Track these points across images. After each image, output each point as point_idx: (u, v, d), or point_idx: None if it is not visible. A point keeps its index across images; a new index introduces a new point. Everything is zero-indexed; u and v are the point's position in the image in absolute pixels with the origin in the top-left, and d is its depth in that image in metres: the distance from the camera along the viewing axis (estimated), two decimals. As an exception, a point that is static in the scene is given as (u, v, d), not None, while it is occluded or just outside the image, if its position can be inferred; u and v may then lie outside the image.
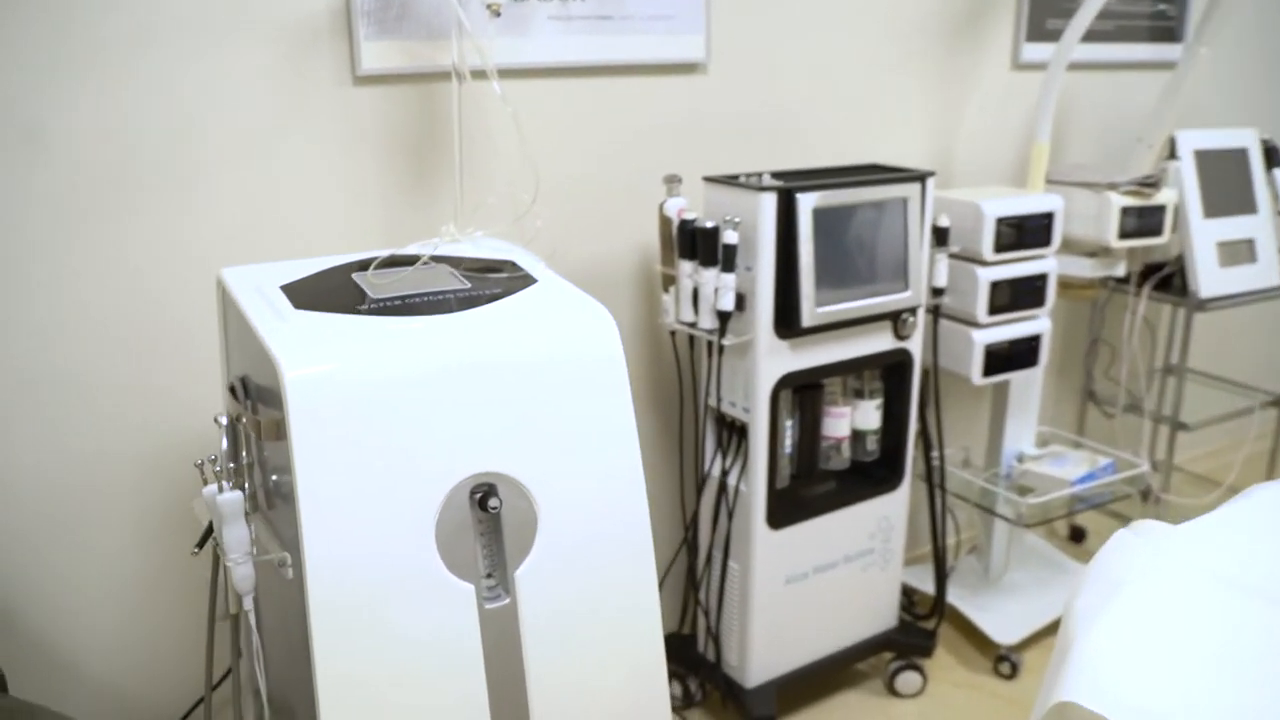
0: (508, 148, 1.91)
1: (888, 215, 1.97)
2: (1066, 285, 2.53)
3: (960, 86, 2.48)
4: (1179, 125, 2.74)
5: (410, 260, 1.50)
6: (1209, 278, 2.60)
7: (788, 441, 2.06)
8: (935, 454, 2.33)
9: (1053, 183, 2.46)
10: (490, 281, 1.45)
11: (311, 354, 1.21)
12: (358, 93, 1.78)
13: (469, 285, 1.42)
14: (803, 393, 2.08)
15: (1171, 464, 2.68)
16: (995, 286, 2.22)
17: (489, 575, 1.31)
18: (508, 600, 1.31)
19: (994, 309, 2.23)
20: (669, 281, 1.98)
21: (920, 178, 2.00)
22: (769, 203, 1.84)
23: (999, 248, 2.20)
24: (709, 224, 1.85)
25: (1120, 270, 2.50)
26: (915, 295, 2.03)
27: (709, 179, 1.93)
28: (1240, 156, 2.72)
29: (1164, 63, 2.84)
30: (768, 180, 1.95)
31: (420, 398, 1.24)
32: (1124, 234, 2.39)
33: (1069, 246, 2.48)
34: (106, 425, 1.71)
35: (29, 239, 1.60)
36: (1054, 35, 2.57)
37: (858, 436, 2.17)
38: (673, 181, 1.94)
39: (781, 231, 1.86)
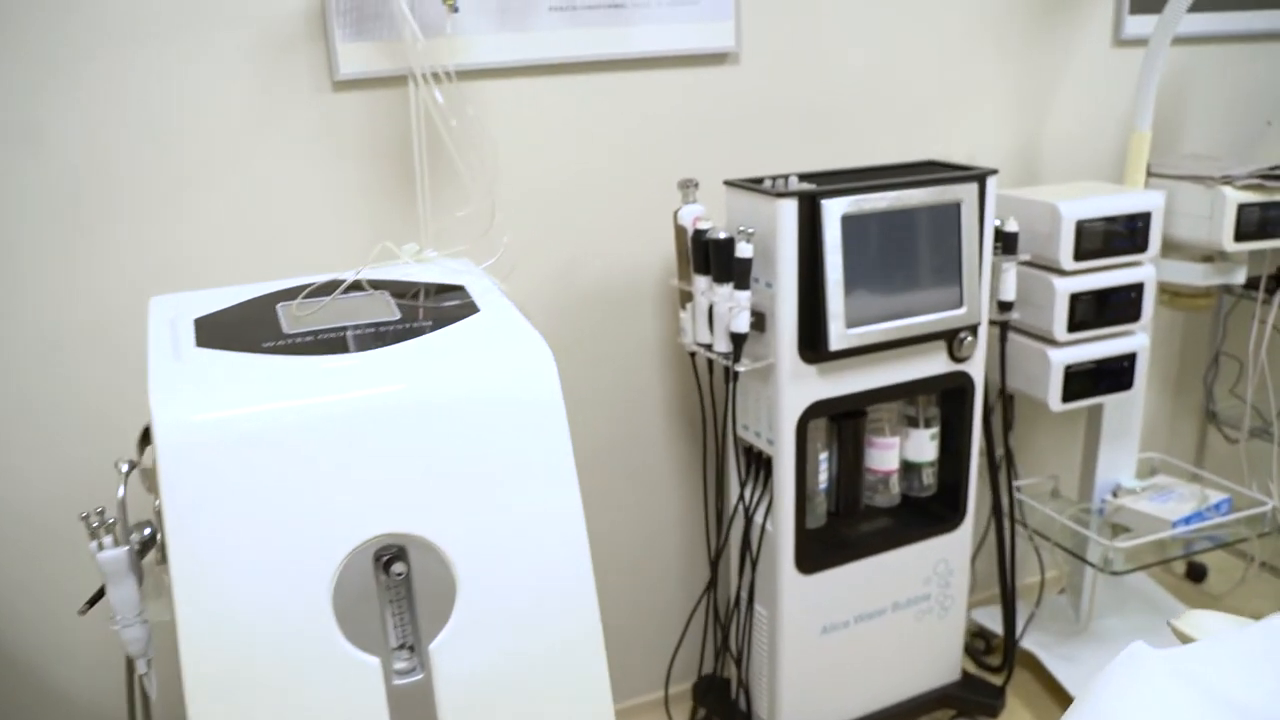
0: (501, 156, 1.75)
1: (938, 221, 1.73)
2: (1176, 294, 2.21)
3: (1049, 68, 2.18)
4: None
5: (351, 286, 1.36)
6: (1354, 284, 2.23)
7: (822, 476, 1.84)
8: (1007, 486, 2.06)
9: (1157, 176, 2.14)
10: (425, 311, 1.30)
11: (189, 398, 1.08)
12: (338, 99, 1.66)
13: (398, 316, 1.27)
14: (841, 421, 1.85)
15: (1305, 499, 2.31)
16: (1076, 299, 1.93)
17: (400, 647, 1.16)
18: (421, 676, 1.16)
19: (1076, 325, 1.95)
20: (686, 298, 1.78)
21: (978, 177, 1.74)
22: (789, 210, 1.62)
23: (1081, 254, 1.91)
24: (722, 235, 1.65)
25: (1240, 277, 2.16)
26: (972, 312, 1.77)
27: (730, 183, 1.73)
28: (1398, 141, 2.32)
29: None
30: (794, 183, 1.73)
31: (315, 448, 1.10)
32: (1242, 235, 2.05)
33: (1177, 250, 2.16)
34: (97, 436, 1.65)
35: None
36: (1162, 5, 2.24)
37: (910, 469, 1.93)
38: (688, 186, 1.74)
39: (804, 242, 1.64)
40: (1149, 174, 2.15)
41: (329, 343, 1.20)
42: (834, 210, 1.63)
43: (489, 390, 1.17)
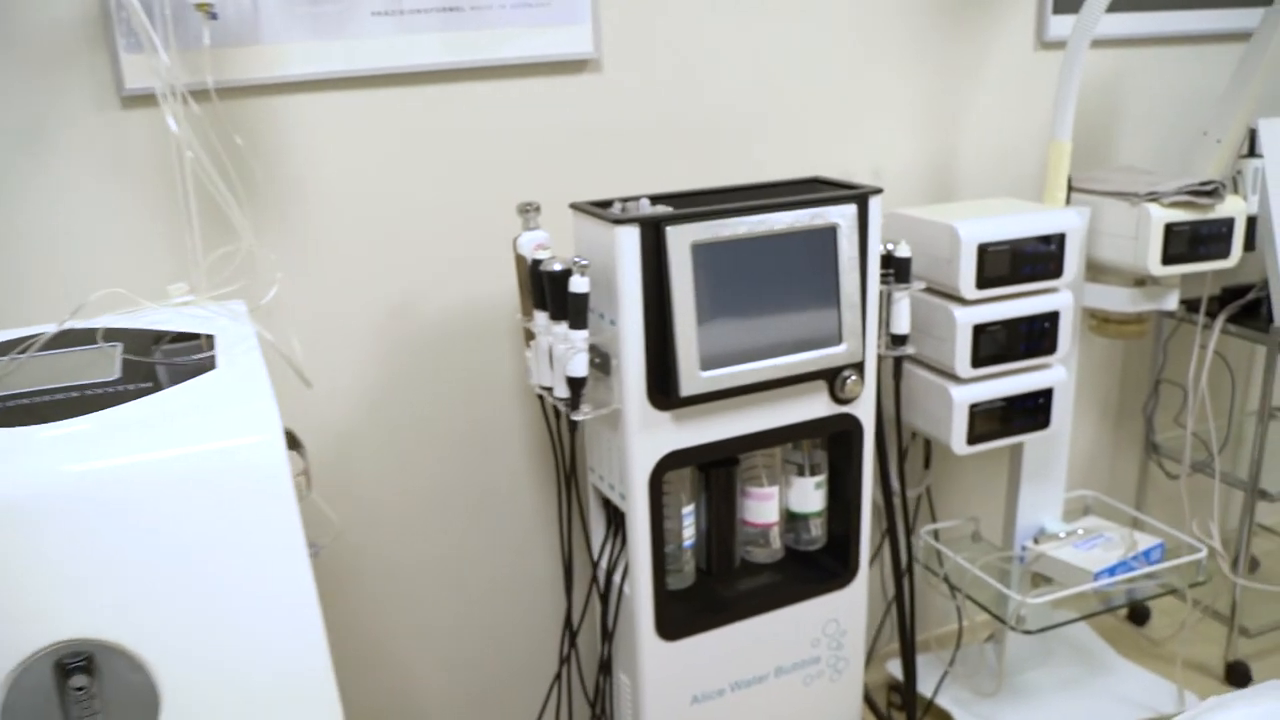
0: (322, 178, 1.57)
1: (810, 247, 1.53)
2: (1105, 320, 2.01)
3: (964, 74, 1.99)
4: (1263, 113, 2.16)
5: (87, 337, 1.18)
6: (1302, 308, 2.03)
7: (688, 532, 1.65)
8: (904, 536, 1.87)
9: (1081, 191, 1.94)
10: (151, 369, 1.11)
11: None
12: (127, 116, 1.47)
13: (117, 376, 1.09)
14: (711, 470, 1.66)
15: (1249, 541, 2.11)
16: (981, 331, 1.74)
17: (86, 776, 0.98)
18: (112, 810, 0.98)
19: (981, 359, 1.75)
20: (530, 336, 1.60)
21: (857, 197, 1.55)
22: (629, 238, 1.43)
23: (985, 281, 1.72)
24: (557, 266, 1.47)
25: (1171, 302, 1.96)
26: (853, 350, 1.58)
27: (575, 207, 1.54)
28: (1355, 149, 2.11)
29: (1244, 33, 2.25)
30: (644, 206, 1.54)
31: (-32, 545, 0.92)
32: (1171, 258, 1.86)
33: (1104, 273, 1.96)
34: None
35: None
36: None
37: (796, 520, 1.74)
38: (528, 211, 1.56)
39: (649, 275, 1.45)
40: (1072, 189, 1.96)
41: (17, 411, 1.02)
42: (681, 238, 1.44)
43: (198, 465, 0.98)
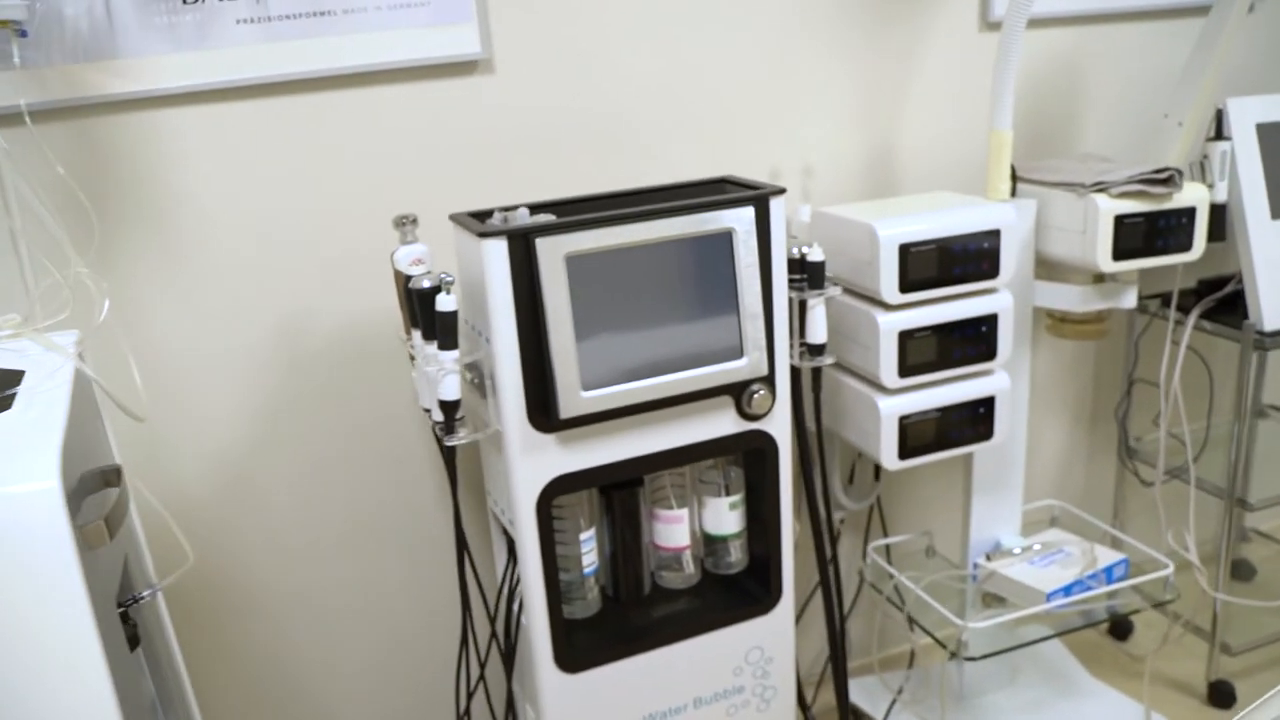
0: (189, 203, 1.50)
1: (704, 255, 1.43)
2: (1062, 320, 1.87)
3: (903, 60, 1.86)
4: (1231, 92, 2.01)
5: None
6: (1277, 301, 1.88)
7: (588, 558, 1.55)
8: (830, 555, 1.76)
9: (1029, 182, 1.81)
10: (-68, 413, 1.05)
11: None
12: (-21, 134, 1.41)
13: (-110, 421, 1.03)
14: (612, 493, 1.57)
15: (1229, 552, 1.97)
16: (908, 337, 1.62)
17: None
18: None
19: (910, 368, 1.63)
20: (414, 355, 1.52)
21: (755, 199, 1.44)
22: (497, 251, 1.34)
23: (909, 285, 1.60)
24: (426, 284, 1.38)
25: (1129, 300, 1.82)
26: (755, 363, 1.47)
27: (454, 219, 1.45)
28: (1338, 127, 1.95)
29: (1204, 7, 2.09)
30: (523, 215, 1.45)
31: None
32: (1123, 253, 1.72)
33: (1056, 270, 1.83)
34: None
35: None
36: (1041, -20, 1.90)
37: (714, 543, 1.64)
38: (404, 224, 1.47)
39: (521, 290, 1.36)
40: (1021, 180, 1.83)
41: None
42: (553, 250, 1.34)
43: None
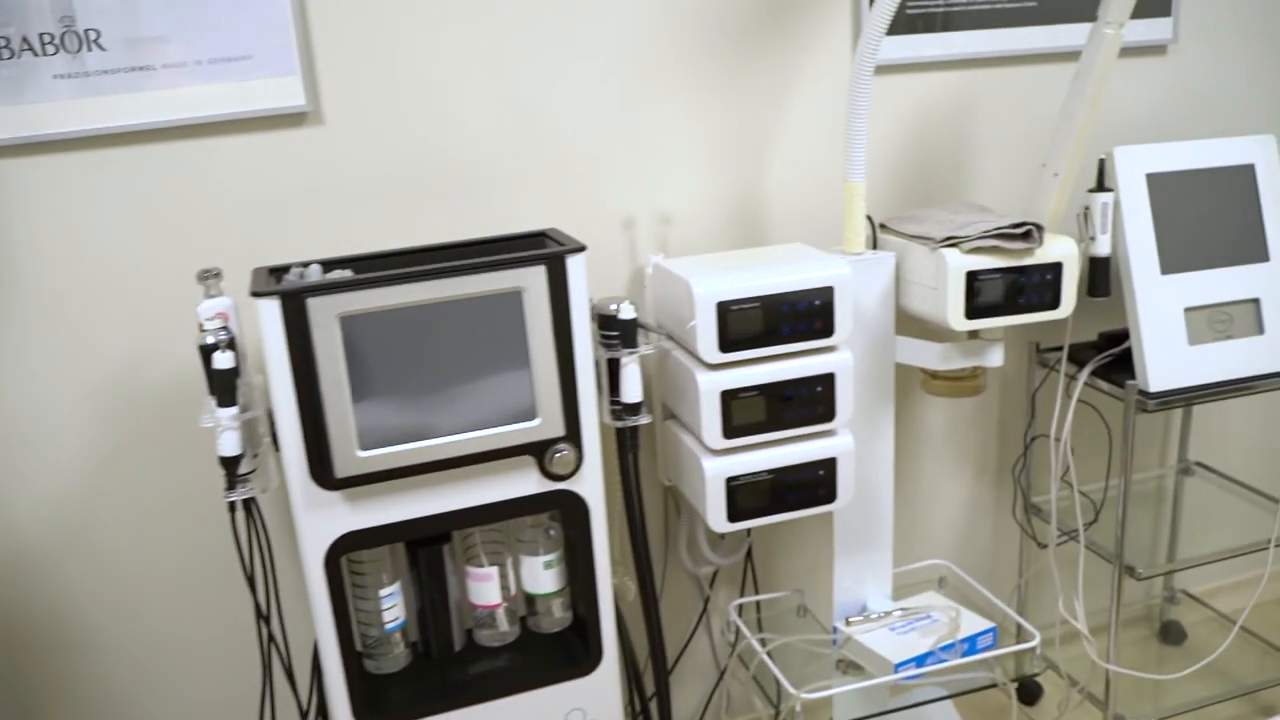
0: (12, 256, 1.53)
1: (495, 314, 1.41)
2: (933, 376, 1.80)
3: (776, 103, 1.81)
4: (1132, 140, 1.92)
5: None
6: (1166, 361, 1.78)
7: (390, 614, 1.54)
8: (654, 618, 1.71)
9: (893, 234, 1.75)
10: None
11: None
12: None
13: None
14: (418, 549, 1.56)
15: (1118, 620, 1.86)
16: (732, 397, 1.57)
17: None
18: None
19: (736, 429, 1.59)
20: (222, 405, 1.52)
21: (549, 258, 1.41)
22: (270, 311, 1.34)
23: (731, 344, 1.55)
24: (208, 340, 1.39)
25: (994, 358, 1.74)
26: (550, 423, 1.45)
27: (257, 273, 1.46)
28: (1239, 178, 1.85)
29: (1132, 47, 1.99)
30: (314, 272, 1.45)
31: None
32: (977, 311, 1.64)
33: (916, 327, 1.76)
34: None
35: None
36: (920, 24, 1.83)
37: (535, 601, 1.62)
38: (208, 278, 1.48)
39: (298, 349, 1.35)
40: (888, 230, 1.76)
41: None
42: (326, 310, 1.34)
43: None
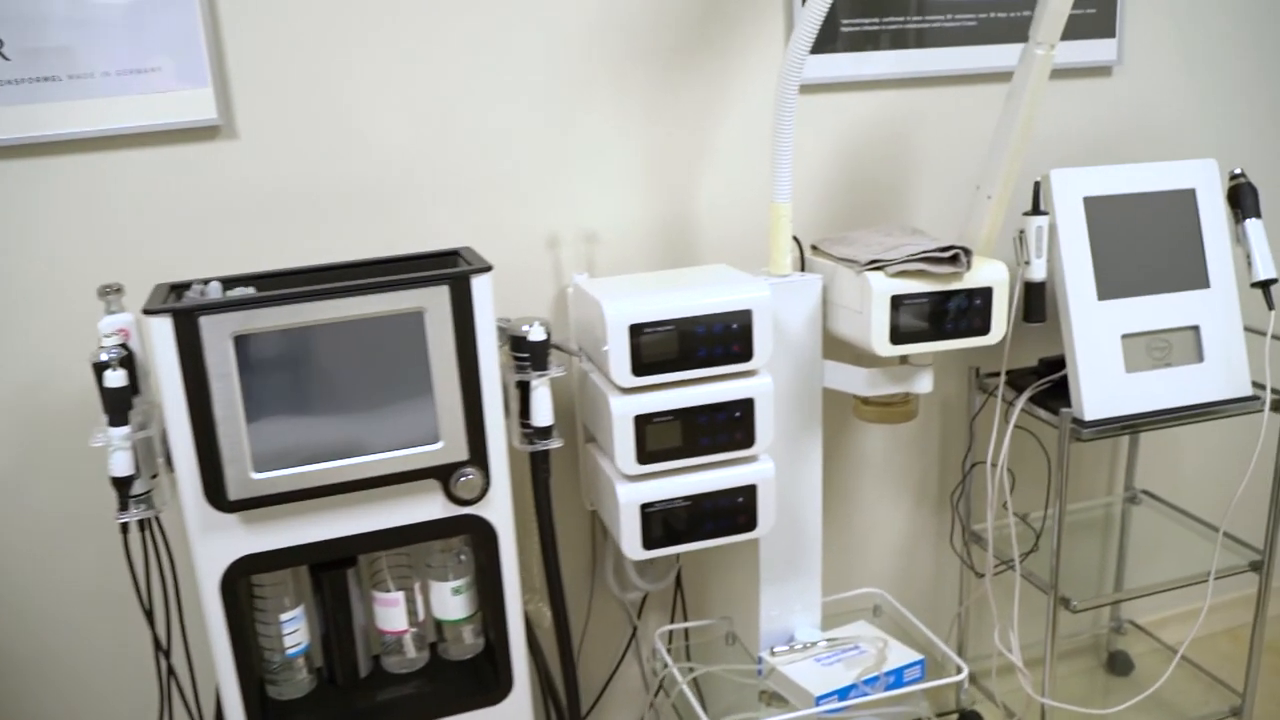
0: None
1: (395, 334, 1.38)
2: (864, 401, 1.77)
3: (707, 120, 1.78)
4: (1072, 162, 1.89)
5: None
6: (1102, 388, 1.74)
7: (292, 638, 1.51)
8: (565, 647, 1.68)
9: (823, 257, 1.72)
10: None
11: None
12: None
13: None
14: (322, 574, 1.52)
15: (1053, 652, 1.82)
16: (646, 422, 1.54)
17: None
18: None
19: (650, 454, 1.55)
20: (123, 423, 1.49)
21: (453, 278, 1.38)
22: (162, 329, 1.31)
23: (645, 367, 1.52)
24: (103, 357, 1.36)
25: (923, 384, 1.70)
26: (453, 447, 1.42)
27: (157, 290, 1.43)
28: (1179, 202, 1.82)
29: (1076, 68, 1.96)
30: (214, 290, 1.42)
31: None
32: (903, 336, 1.61)
33: (846, 351, 1.73)
34: None
35: None
36: (852, 41, 1.81)
37: (445, 627, 1.58)
38: (109, 294, 1.45)
39: (190, 369, 1.32)
40: (819, 253, 1.73)
41: None
42: (218, 329, 1.31)
43: None
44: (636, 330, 1.50)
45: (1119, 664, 2.22)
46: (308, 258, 1.65)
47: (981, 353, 1.99)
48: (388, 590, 1.53)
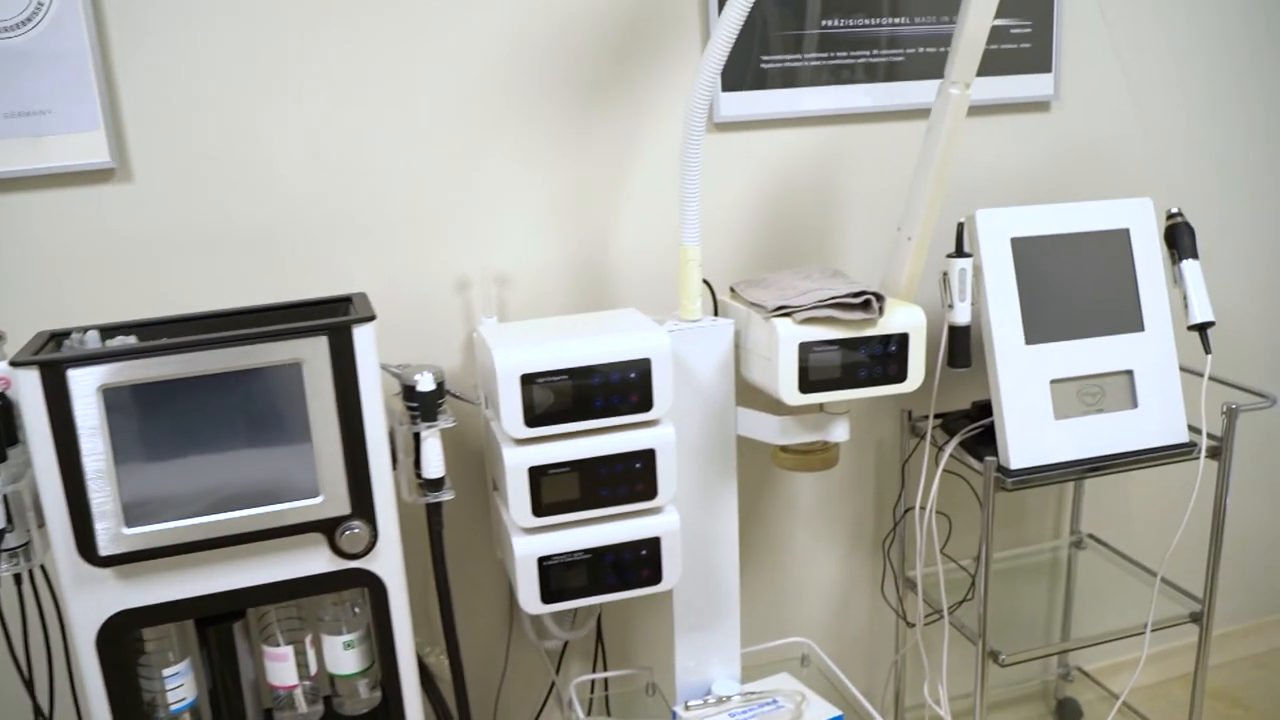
0: None
1: (273, 386, 1.35)
2: (783, 449, 1.72)
3: (623, 160, 1.75)
4: (1011, 202, 1.84)
5: None
6: (1029, 435, 1.69)
7: (176, 693, 1.47)
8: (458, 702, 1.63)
9: (739, 301, 1.67)
10: None
11: None
12: None
13: None
14: (208, 628, 1.49)
15: (983, 706, 1.76)
16: (541, 474, 1.50)
17: None
18: None
19: (549, 507, 1.51)
20: (6, 473, 1.47)
21: (332, 328, 1.35)
22: (30, 381, 1.28)
23: (540, 417, 1.48)
24: (-24, 407, 1.34)
25: (840, 432, 1.65)
26: (334, 501, 1.38)
27: (36, 339, 1.40)
28: (1112, 243, 1.76)
29: (1012, 103, 1.91)
30: (92, 340, 1.40)
31: None
32: (813, 385, 1.56)
33: (763, 398, 1.68)
34: None
35: None
36: (774, 79, 1.76)
37: (340, 681, 1.54)
38: (-10, 341, 1.43)
39: (59, 421, 1.30)
40: (736, 296, 1.69)
41: None
42: (86, 382, 1.28)
43: None
44: (528, 380, 1.46)
45: (1068, 711, 2.15)
46: (206, 302, 1.63)
47: (915, 395, 1.94)
48: (277, 644, 1.50)
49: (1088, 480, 2.10)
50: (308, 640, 1.53)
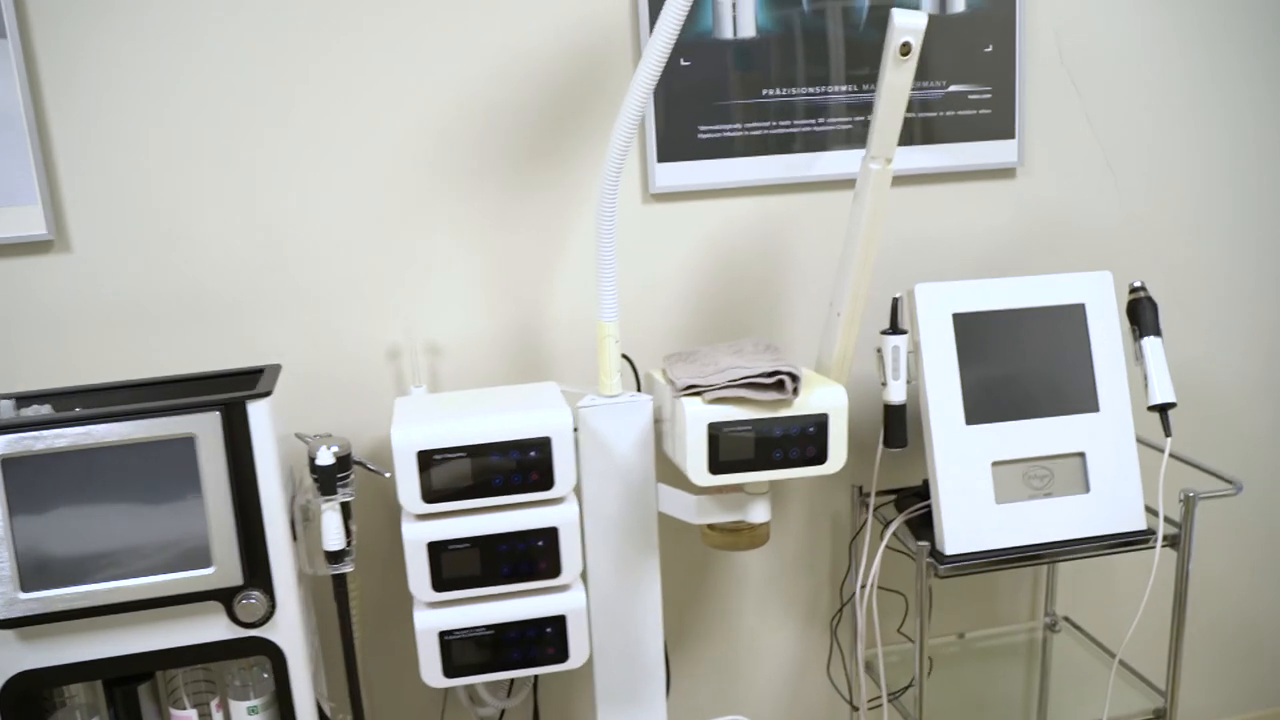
0: None
1: (170, 460, 1.38)
2: (711, 527, 1.68)
3: (559, 231, 1.74)
4: (969, 269, 1.77)
5: None
6: (966, 520, 1.62)
7: (83, 754, 1.52)
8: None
9: (661, 373, 1.65)
10: None
11: None
12: None
13: None
14: (114, 689, 1.53)
15: (921, 811, 1.68)
16: (442, 550, 1.50)
17: None
18: None
19: (449, 582, 1.51)
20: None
21: (225, 404, 1.38)
22: (-69, 453, 1.35)
23: (436, 495, 1.48)
24: (-110, 474, 1.41)
25: (759, 513, 1.61)
26: (226, 572, 1.41)
27: (-38, 404, 1.48)
28: (1067, 319, 1.68)
29: (974, 170, 1.83)
30: (5, 410, 1.46)
31: None
32: (724, 466, 1.52)
33: (682, 476, 1.65)
34: None
35: None
36: (709, 149, 1.74)
37: (246, 745, 1.57)
38: (-80, 407, 1.50)
39: (-37, 489, 1.36)
40: (662, 371, 1.67)
41: None
42: (-19, 453, 1.34)
43: None
44: (425, 457, 1.47)
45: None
46: (138, 370, 1.68)
47: (868, 471, 1.87)
48: (184, 707, 1.53)
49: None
50: (214, 704, 1.56)
